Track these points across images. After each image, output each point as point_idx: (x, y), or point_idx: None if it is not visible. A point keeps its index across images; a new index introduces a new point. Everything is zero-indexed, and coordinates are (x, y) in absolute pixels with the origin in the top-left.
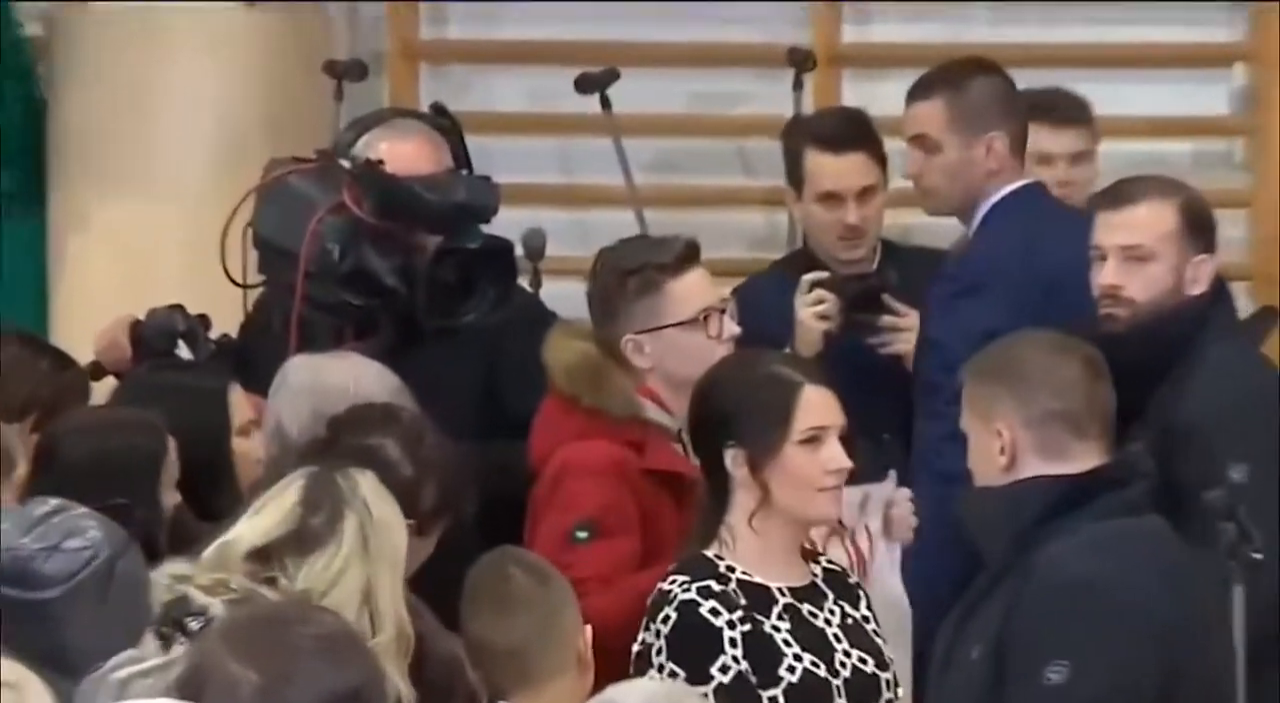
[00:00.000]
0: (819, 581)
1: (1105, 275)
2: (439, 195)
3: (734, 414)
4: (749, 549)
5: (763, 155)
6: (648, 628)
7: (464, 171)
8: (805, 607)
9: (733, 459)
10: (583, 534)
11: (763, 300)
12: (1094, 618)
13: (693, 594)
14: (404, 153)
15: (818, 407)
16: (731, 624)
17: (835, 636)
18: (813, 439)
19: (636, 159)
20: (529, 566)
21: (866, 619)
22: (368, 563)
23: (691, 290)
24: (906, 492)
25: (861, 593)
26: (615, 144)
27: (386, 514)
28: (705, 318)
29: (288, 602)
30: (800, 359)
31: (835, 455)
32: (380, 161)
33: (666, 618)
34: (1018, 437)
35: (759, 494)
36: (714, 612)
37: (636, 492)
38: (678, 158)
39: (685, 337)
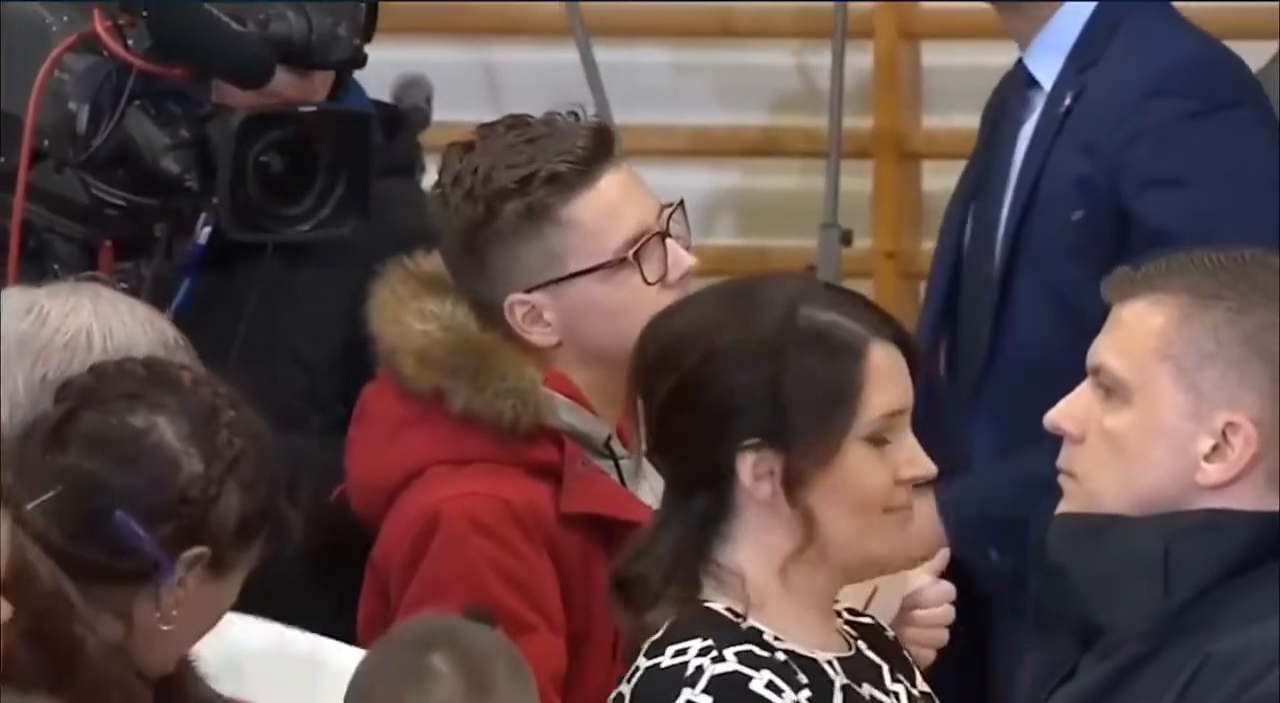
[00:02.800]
0: (860, 643)
1: None
2: (254, 23)
3: (752, 391)
4: (767, 603)
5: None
6: None
7: None
8: (866, 690)
9: (754, 468)
10: None
11: None
12: None
13: (733, 664)
14: None
15: (892, 377)
16: None
17: None
18: (883, 432)
19: None
20: (467, 654)
21: (931, 699)
22: None
23: (607, 209)
24: (945, 587)
25: (908, 657)
26: None
27: None
28: (637, 251)
29: None
30: (846, 291)
31: (914, 455)
32: None
33: None
34: (1260, 448)
35: (794, 523)
36: (773, 689)
37: (556, 551)
38: None
39: (607, 287)
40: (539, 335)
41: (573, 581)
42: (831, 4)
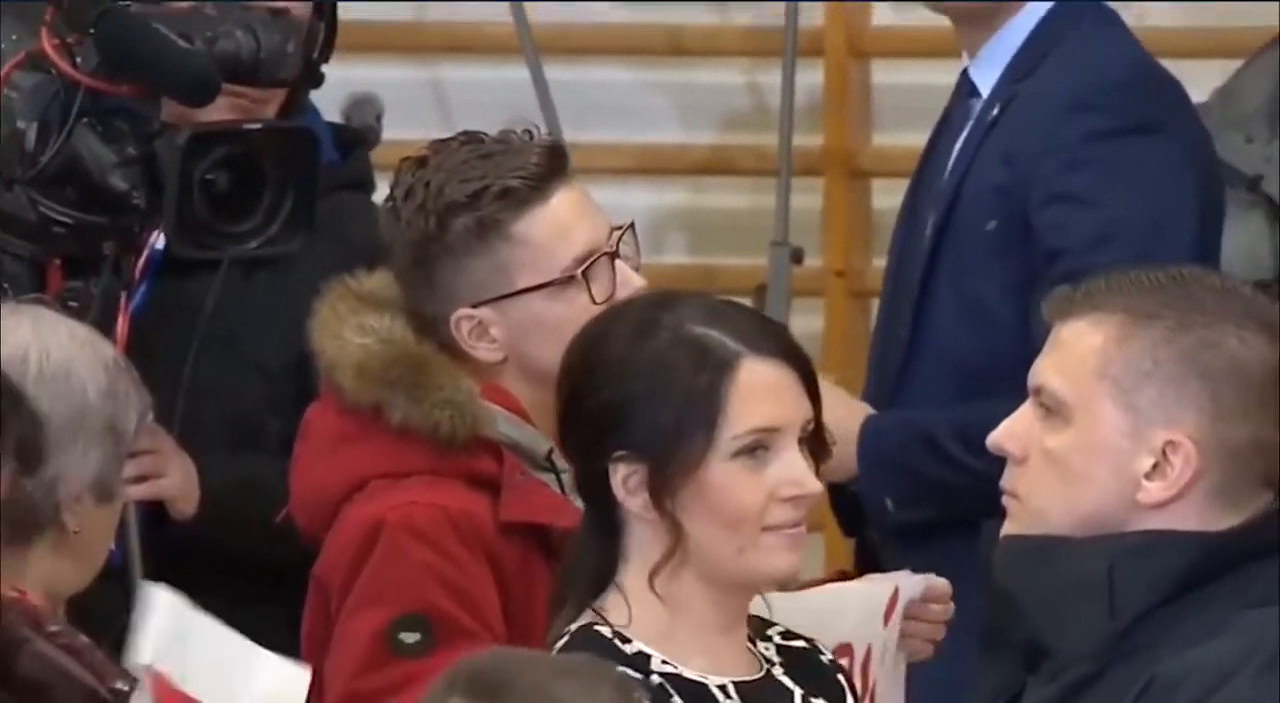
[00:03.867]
0: (776, 668)
1: None
2: (202, 40)
3: (622, 404)
4: (656, 624)
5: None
6: None
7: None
8: None
9: (623, 479)
10: (410, 637)
11: None
12: None
13: None
14: None
15: (765, 393)
16: None
17: None
18: (754, 448)
19: None
20: (491, 693)
21: None
22: None
23: (558, 227)
24: (944, 585)
25: (843, 682)
26: None
27: None
28: (586, 270)
29: None
30: (739, 307)
31: (793, 474)
32: None
33: None
34: (1201, 466)
35: (666, 536)
36: None
37: (495, 560)
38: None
39: (554, 305)
40: (485, 351)
41: (512, 590)
42: (781, 22)
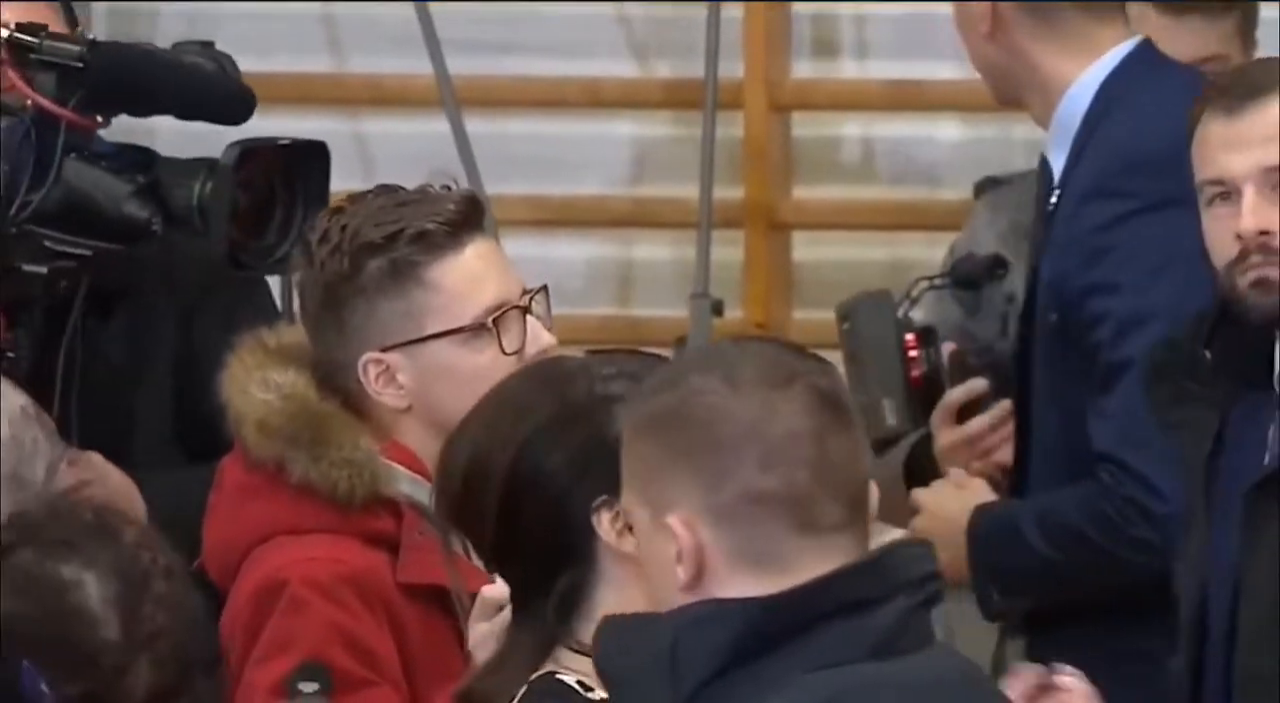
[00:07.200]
0: None
1: (1246, 217)
2: (185, 68)
3: (588, 453)
4: None
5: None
6: None
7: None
8: None
9: (611, 523)
10: (309, 686)
11: None
12: None
13: None
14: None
15: None
16: None
17: None
18: None
19: (450, 33)
20: None
21: None
22: None
23: (471, 275)
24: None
25: None
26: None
27: None
28: (497, 320)
29: None
30: (641, 354)
31: None
32: None
33: None
34: (703, 536)
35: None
36: None
37: (395, 619)
38: (519, 31)
39: (463, 353)
40: (390, 397)
41: (414, 649)
42: (700, 74)
